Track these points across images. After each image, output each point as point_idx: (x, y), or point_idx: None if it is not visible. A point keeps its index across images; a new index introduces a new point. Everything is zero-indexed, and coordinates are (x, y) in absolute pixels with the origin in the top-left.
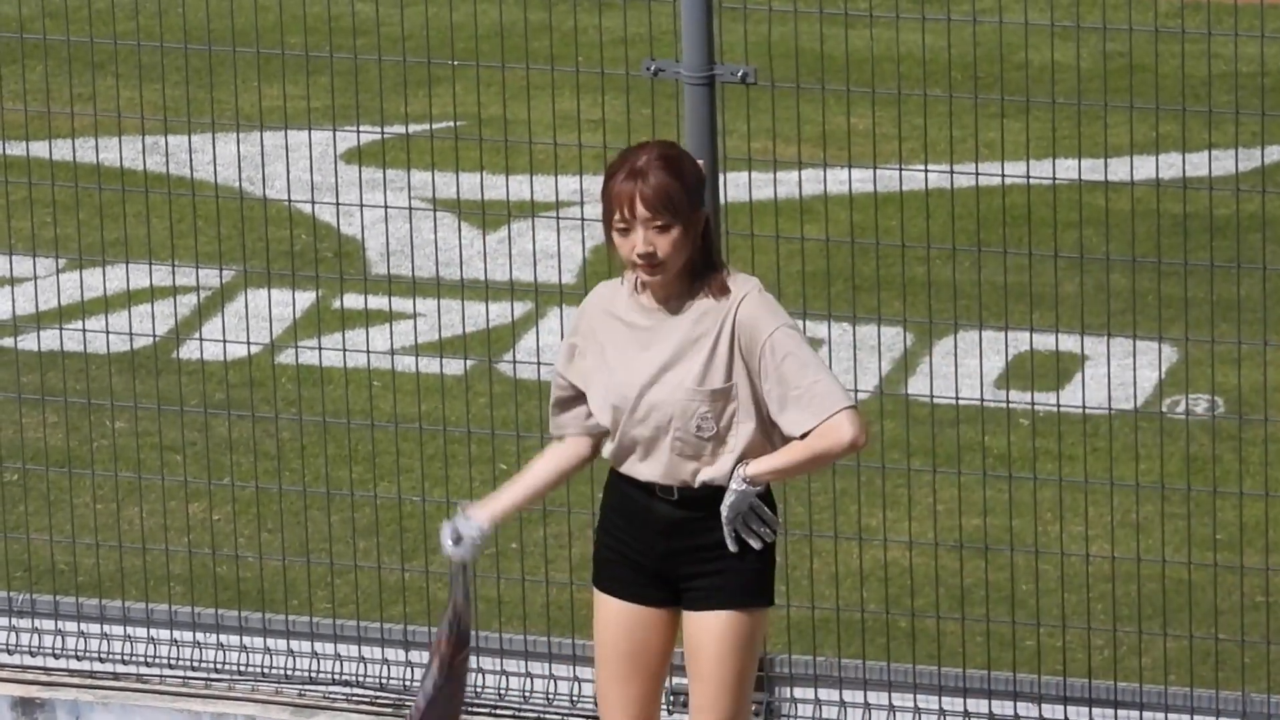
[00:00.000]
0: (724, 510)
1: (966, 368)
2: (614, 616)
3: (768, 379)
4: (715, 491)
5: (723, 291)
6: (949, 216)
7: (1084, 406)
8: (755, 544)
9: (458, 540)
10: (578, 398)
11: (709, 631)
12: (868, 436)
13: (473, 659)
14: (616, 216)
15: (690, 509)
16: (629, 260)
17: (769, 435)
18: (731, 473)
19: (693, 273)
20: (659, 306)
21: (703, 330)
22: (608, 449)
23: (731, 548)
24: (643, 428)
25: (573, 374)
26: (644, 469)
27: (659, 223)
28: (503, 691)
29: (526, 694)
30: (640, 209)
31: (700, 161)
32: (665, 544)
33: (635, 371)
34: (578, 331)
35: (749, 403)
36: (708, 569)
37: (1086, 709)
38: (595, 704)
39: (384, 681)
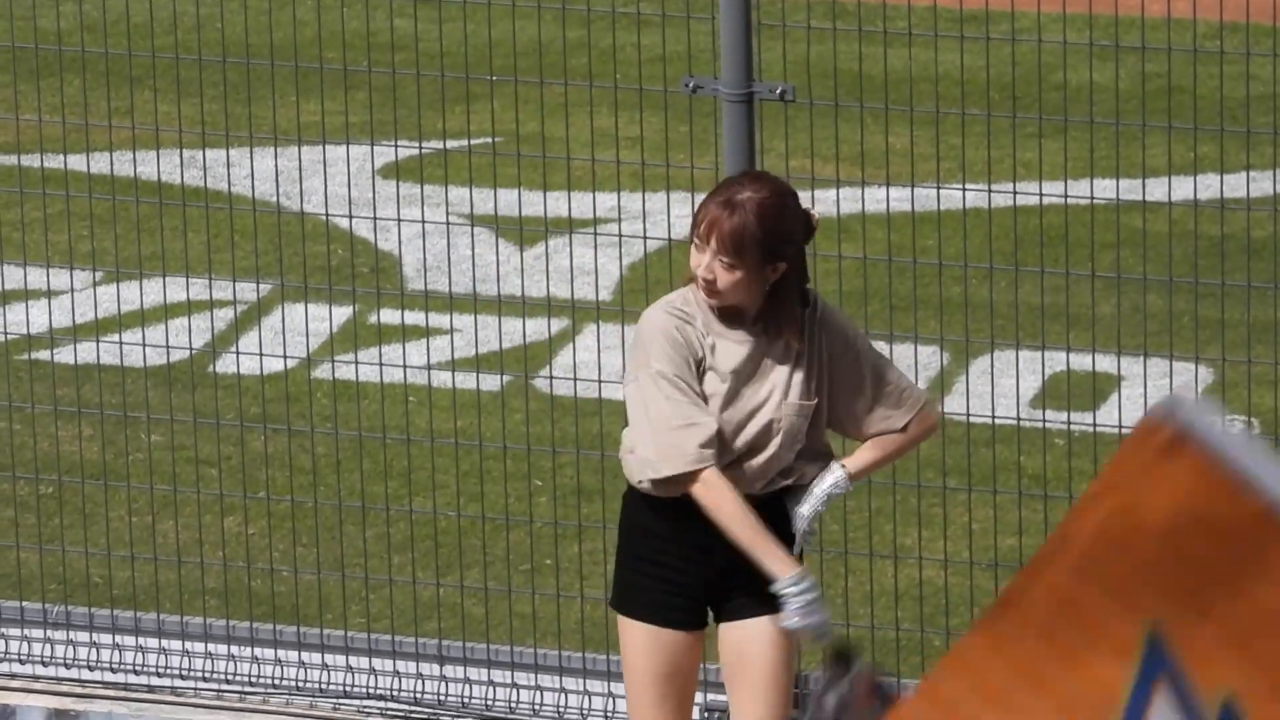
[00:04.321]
0: (808, 511)
1: (1002, 387)
2: (645, 643)
3: (856, 378)
4: (778, 496)
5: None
6: (986, 236)
7: (1120, 427)
8: (807, 545)
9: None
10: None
11: (759, 638)
12: None
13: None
14: (698, 235)
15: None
16: (694, 270)
17: (823, 435)
18: (814, 473)
19: (763, 313)
20: (741, 328)
21: (794, 348)
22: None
23: (795, 549)
24: (742, 444)
25: (696, 386)
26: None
27: (725, 259)
28: (537, 706)
29: (561, 709)
30: (714, 240)
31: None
32: (723, 558)
33: (737, 391)
34: (688, 341)
35: (820, 409)
36: (753, 575)
37: None
38: None
39: (418, 696)
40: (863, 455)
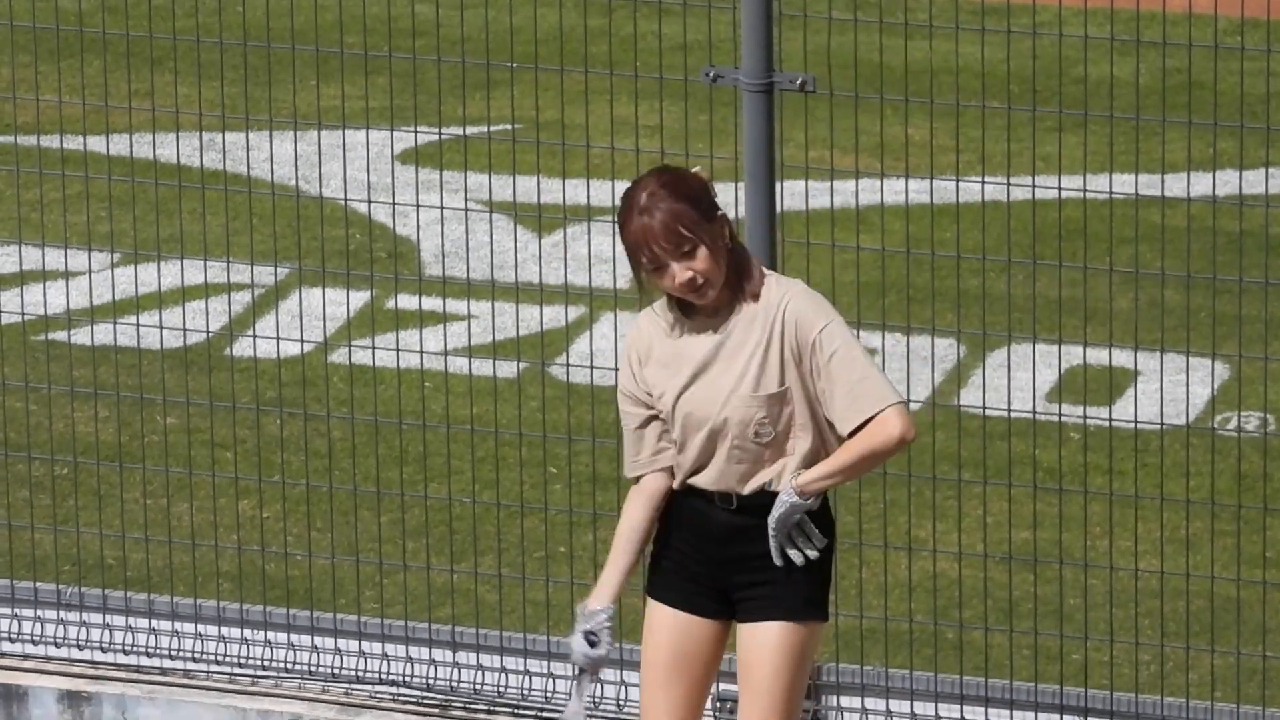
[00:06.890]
0: (770, 522)
1: (1019, 381)
2: (664, 624)
3: (820, 377)
4: (770, 498)
5: (765, 294)
6: (1004, 229)
7: (1135, 422)
8: (798, 559)
9: (594, 642)
10: (647, 426)
11: (762, 643)
12: (916, 431)
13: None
14: (645, 259)
15: (747, 515)
16: (674, 292)
17: (827, 440)
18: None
19: (730, 279)
20: (706, 319)
21: (753, 336)
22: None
23: (777, 561)
24: (701, 437)
25: (641, 400)
26: (702, 478)
27: (685, 249)
28: (549, 694)
29: None
30: (663, 243)
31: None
32: (721, 551)
33: (691, 384)
34: (632, 360)
35: (804, 406)
36: (761, 578)
37: None
38: (640, 710)
39: (430, 682)
40: (819, 466)
